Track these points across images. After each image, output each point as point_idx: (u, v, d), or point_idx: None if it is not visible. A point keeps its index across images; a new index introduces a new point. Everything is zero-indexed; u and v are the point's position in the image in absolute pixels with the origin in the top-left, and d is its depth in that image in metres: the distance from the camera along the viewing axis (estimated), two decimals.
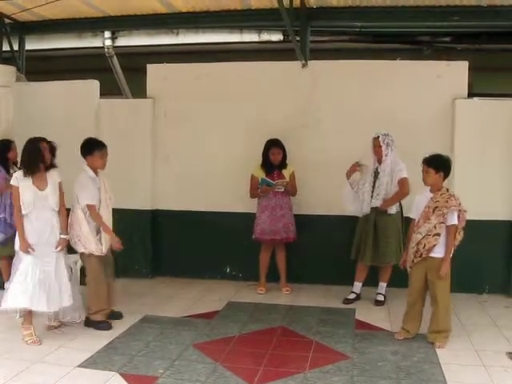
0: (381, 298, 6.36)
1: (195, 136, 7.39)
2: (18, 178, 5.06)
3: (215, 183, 7.30)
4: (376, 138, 6.17)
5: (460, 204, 4.98)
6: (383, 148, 6.12)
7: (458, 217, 4.99)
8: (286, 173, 6.67)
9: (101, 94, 7.54)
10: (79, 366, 4.49)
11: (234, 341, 5.17)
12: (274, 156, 6.65)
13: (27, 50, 7.88)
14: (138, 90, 8.05)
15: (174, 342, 5.10)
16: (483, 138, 6.75)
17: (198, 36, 8.26)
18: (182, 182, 7.43)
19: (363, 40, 8.12)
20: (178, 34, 8.28)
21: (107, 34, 8.47)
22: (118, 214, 7.38)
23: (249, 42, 8.28)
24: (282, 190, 6.57)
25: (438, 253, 4.99)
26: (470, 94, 7.11)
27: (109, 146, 7.37)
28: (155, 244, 7.53)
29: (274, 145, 6.66)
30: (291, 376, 4.37)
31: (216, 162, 7.33)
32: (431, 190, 5.10)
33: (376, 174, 6.23)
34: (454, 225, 4.96)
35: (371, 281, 6.52)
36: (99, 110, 7.49)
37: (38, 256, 5.00)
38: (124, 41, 8.55)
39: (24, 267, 4.97)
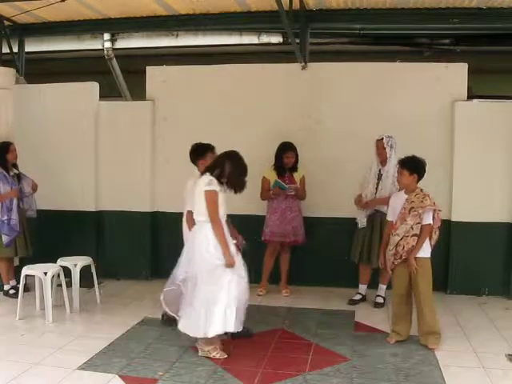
0: (380, 300, 6.36)
1: (195, 138, 7.32)
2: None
3: None
4: (380, 140, 6.19)
5: (435, 203, 5.02)
6: (387, 150, 6.14)
7: (433, 217, 5.02)
8: (296, 176, 6.67)
9: (100, 97, 7.55)
10: (78, 368, 4.48)
11: (234, 343, 5.15)
12: (287, 159, 6.64)
13: (27, 52, 7.89)
14: (138, 92, 8.05)
15: (174, 344, 5.08)
16: (483, 140, 6.76)
17: (197, 38, 8.27)
18: (181, 184, 7.39)
19: (363, 42, 8.13)
20: (177, 36, 8.29)
21: (107, 36, 8.48)
22: (117, 216, 7.47)
23: (248, 44, 8.28)
24: (293, 193, 6.57)
25: (418, 253, 5.01)
26: (470, 96, 7.12)
27: (108, 148, 7.46)
28: (154, 246, 7.52)
29: (288, 148, 6.65)
30: (291, 378, 4.36)
31: None
32: (406, 192, 5.14)
33: (379, 175, 6.25)
34: (428, 224, 5.00)
35: (370, 283, 6.53)
36: (99, 112, 7.49)
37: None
38: (123, 43, 8.56)
39: (228, 286, 4.62)
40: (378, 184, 6.22)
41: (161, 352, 4.90)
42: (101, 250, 7.45)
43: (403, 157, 5.17)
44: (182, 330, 4.76)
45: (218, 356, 4.72)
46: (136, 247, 7.46)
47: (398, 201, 5.16)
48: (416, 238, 4.99)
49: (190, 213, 5.05)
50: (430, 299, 5.08)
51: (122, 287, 7.08)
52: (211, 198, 4.65)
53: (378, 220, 6.21)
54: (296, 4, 6.21)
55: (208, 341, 4.72)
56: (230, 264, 4.61)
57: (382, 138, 6.17)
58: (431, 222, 5.01)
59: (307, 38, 6.96)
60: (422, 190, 5.10)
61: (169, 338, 5.22)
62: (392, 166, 6.11)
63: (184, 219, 5.50)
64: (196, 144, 5.75)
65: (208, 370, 4.49)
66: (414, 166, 5.08)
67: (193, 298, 4.65)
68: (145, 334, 5.37)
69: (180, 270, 4.80)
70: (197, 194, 4.74)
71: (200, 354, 4.77)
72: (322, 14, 6.79)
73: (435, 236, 5.09)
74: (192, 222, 4.97)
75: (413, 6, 6.42)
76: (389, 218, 5.30)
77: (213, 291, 4.59)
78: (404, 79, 6.98)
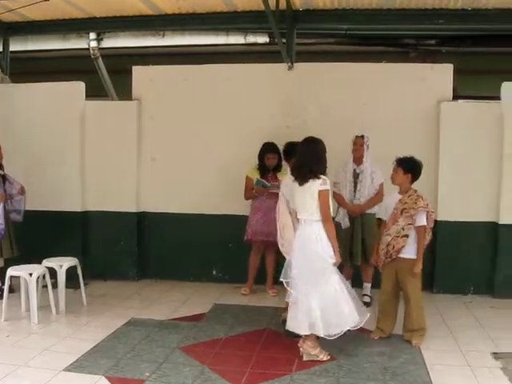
0: (367, 299, 6.38)
1: (181, 138, 7.38)
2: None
3: (202, 185, 7.29)
4: (360, 137, 6.24)
5: (428, 205, 5.05)
6: (364, 148, 6.21)
7: (427, 218, 5.05)
8: (280, 176, 6.66)
9: (86, 96, 7.50)
10: (65, 369, 4.45)
11: (221, 343, 5.16)
12: (269, 161, 6.68)
13: (12, 51, 7.83)
14: (124, 91, 8.01)
15: (161, 344, 5.08)
16: (468, 140, 6.81)
17: (184, 38, 8.24)
18: (169, 184, 7.41)
19: (349, 42, 8.16)
20: (163, 35, 8.26)
21: (92, 35, 8.43)
22: (103, 216, 7.43)
23: (235, 44, 8.28)
24: (277, 191, 6.54)
25: (408, 253, 5.06)
26: (455, 97, 7.17)
27: (94, 148, 7.43)
28: (141, 246, 7.50)
29: (270, 150, 6.67)
30: (278, 378, 4.36)
31: (202, 163, 7.32)
32: (400, 192, 5.17)
33: (356, 174, 6.30)
34: (422, 226, 5.03)
35: (357, 282, 6.55)
36: (84, 111, 7.45)
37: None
38: (110, 42, 8.51)
39: (339, 283, 4.73)
40: (355, 183, 6.27)
41: (147, 353, 4.88)
42: (87, 251, 7.40)
43: (402, 155, 5.18)
44: (305, 332, 4.71)
45: (325, 358, 4.73)
46: (123, 248, 7.42)
47: (392, 200, 5.20)
48: (406, 238, 5.02)
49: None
50: (418, 298, 5.13)
51: (108, 288, 7.05)
52: (326, 198, 4.68)
53: (358, 219, 6.28)
54: (282, 4, 6.21)
55: (315, 344, 4.74)
56: (337, 262, 4.72)
57: (363, 136, 6.23)
58: (425, 223, 5.04)
59: (294, 38, 6.97)
60: (415, 191, 5.12)
61: (155, 339, 5.22)
62: (368, 166, 6.19)
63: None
64: (290, 143, 5.77)
65: (195, 371, 4.48)
66: (409, 166, 5.11)
67: (309, 299, 4.67)
68: (132, 334, 5.34)
69: (295, 272, 4.79)
70: (307, 193, 4.71)
71: (305, 358, 4.73)
72: (308, 14, 6.80)
73: (428, 237, 5.12)
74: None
75: (399, 7, 6.46)
76: (382, 216, 5.34)
77: (328, 290, 4.67)
78: (390, 80, 7.01)
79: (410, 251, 5.06)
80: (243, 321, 5.82)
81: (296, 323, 4.76)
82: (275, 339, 5.26)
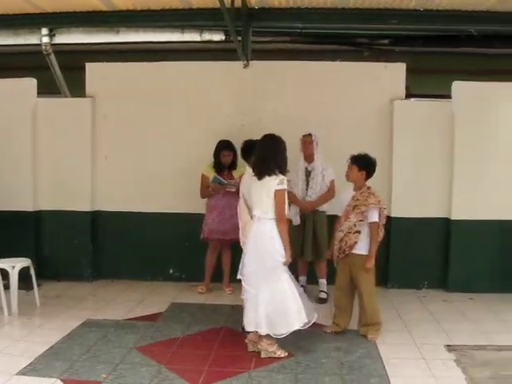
0: (323, 295, 6.46)
1: (137, 136, 7.30)
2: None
3: (157, 184, 7.23)
4: (309, 135, 6.36)
5: (379, 202, 5.14)
6: (314, 145, 6.32)
7: (380, 214, 5.13)
8: (236, 174, 6.66)
9: (38, 93, 7.35)
10: (18, 373, 4.35)
11: (178, 342, 5.13)
12: (224, 158, 6.69)
13: None
14: (78, 88, 7.86)
15: (117, 345, 5.02)
16: (420, 138, 6.97)
17: (138, 35, 8.11)
18: (123, 182, 7.32)
19: (304, 41, 8.19)
20: (118, 32, 8.11)
21: (45, 30, 8.21)
22: (57, 215, 7.29)
23: (190, 42, 8.20)
24: (234, 189, 6.50)
25: (360, 249, 5.16)
26: (408, 95, 7.31)
27: (46, 147, 7.28)
28: (96, 246, 7.39)
29: (225, 147, 6.70)
30: (236, 376, 4.38)
31: (158, 162, 7.26)
32: (354, 189, 5.25)
33: (307, 172, 6.38)
34: (375, 222, 5.13)
35: (314, 279, 6.62)
36: (36, 109, 7.30)
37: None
38: (62, 38, 8.30)
39: (288, 282, 4.78)
40: (307, 181, 6.35)
41: (104, 354, 4.82)
42: (40, 251, 7.25)
43: (356, 153, 5.26)
44: (252, 328, 4.79)
45: (283, 355, 4.75)
46: (77, 247, 7.30)
47: (347, 197, 5.28)
48: (358, 234, 5.11)
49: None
50: (371, 293, 5.23)
51: (62, 289, 6.92)
52: (282, 198, 4.69)
53: (310, 217, 6.38)
54: (238, 2, 6.19)
55: (272, 341, 4.74)
56: (288, 262, 4.74)
57: (310, 134, 6.36)
58: (377, 219, 5.12)
59: (249, 36, 6.96)
60: (369, 188, 5.21)
61: (112, 340, 5.16)
62: (319, 163, 6.31)
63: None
64: (247, 141, 5.77)
65: (152, 371, 4.45)
66: (364, 164, 5.19)
67: (257, 296, 4.70)
68: (87, 336, 5.27)
69: (248, 270, 4.81)
70: (264, 191, 4.72)
71: (263, 355, 4.75)
72: (263, 12, 6.80)
73: (381, 233, 5.21)
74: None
75: (353, 7, 6.51)
76: (338, 213, 5.42)
77: (278, 289, 4.70)
78: (344, 78, 7.11)
79: (362, 247, 5.15)
80: (200, 319, 5.81)
81: (246, 320, 4.82)
82: (233, 337, 5.27)
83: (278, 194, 4.67)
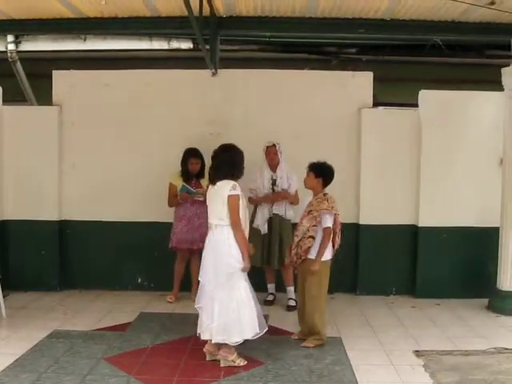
0: (292, 302, 6.46)
1: (104, 144, 7.23)
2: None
3: (125, 192, 7.17)
4: (273, 146, 6.46)
5: (333, 208, 5.18)
6: (279, 155, 6.44)
7: (335, 220, 5.19)
8: (203, 182, 6.64)
9: (4, 101, 7.23)
10: None
11: (147, 352, 5.08)
12: (192, 166, 6.67)
13: None
14: (45, 96, 7.77)
15: (85, 356, 4.94)
16: (387, 146, 7.05)
17: (106, 42, 8.08)
18: (91, 191, 7.24)
19: (272, 49, 8.26)
20: (85, 39, 8.06)
21: (10, 37, 8.13)
22: (23, 225, 7.17)
23: (158, 50, 8.20)
24: (202, 198, 6.44)
25: (313, 254, 5.19)
26: (375, 104, 7.41)
27: (12, 155, 7.17)
28: (63, 256, 7.27)
29: (192, 155, 6.68)
30: None
31: (125, 170, 7.20)
32: (313, 195, 5.33)
33: (273, 181, 6.46)
34: (328, 227, 5.16)
35: (283, 287, 6.63)
36: (1, 117, 7.17)
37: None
38: (28, 45, 8.22)
39: (245, 290, 4.76)
40: (273, 190, 6.46)
41: (71, 365, 4.74)
42: (6, 261, 7.11)
43: (314, 161, 5.32)
44: (207, 337, 4.77)
45: (242, 363, 4.71)
46: (44, 257, 7.18)
47: (306, 203, 5.33)
48: (312, 239, 5.16)
49: None
50: (314, 298, 5.21)
51: (29, 299, 6.80)
52: (235, 203, 4.68)
53: (276, 223, 6.43)
54: (206, 10, 6.21)
55: (231, 350, 4.71)
56: (246, 268, 4.72)
57: (274, 145, 6.46)
58: (330, 225, 5.16)
59: (217, 45, 6.99)
60: (325, 194, 5.26)
61: (79, 351, 5.08)
62: (284, 173, 6.42)
63: None
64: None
65: (121, 381, 4.40)
66: (320, 171, 5.25)
67: (213, 303, 4.71)
68: (54, 347, 5.17)
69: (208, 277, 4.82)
70: (219, 199, 4.73)
71: (223, 364, 4.71)
72: (232, 20, 6.83)
73: (338, 239, 5.26)
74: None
75: (321, 16, 6.58)
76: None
77: (235, 296, 4.68)
78: (312, 87, 7.16)
79: (316, 253, 5.18)
80: (169, 329, 5.77)
81: (201, 328, 4.83)
82: (202, 346, 5.22)
83: (230, 199, 4.69)
